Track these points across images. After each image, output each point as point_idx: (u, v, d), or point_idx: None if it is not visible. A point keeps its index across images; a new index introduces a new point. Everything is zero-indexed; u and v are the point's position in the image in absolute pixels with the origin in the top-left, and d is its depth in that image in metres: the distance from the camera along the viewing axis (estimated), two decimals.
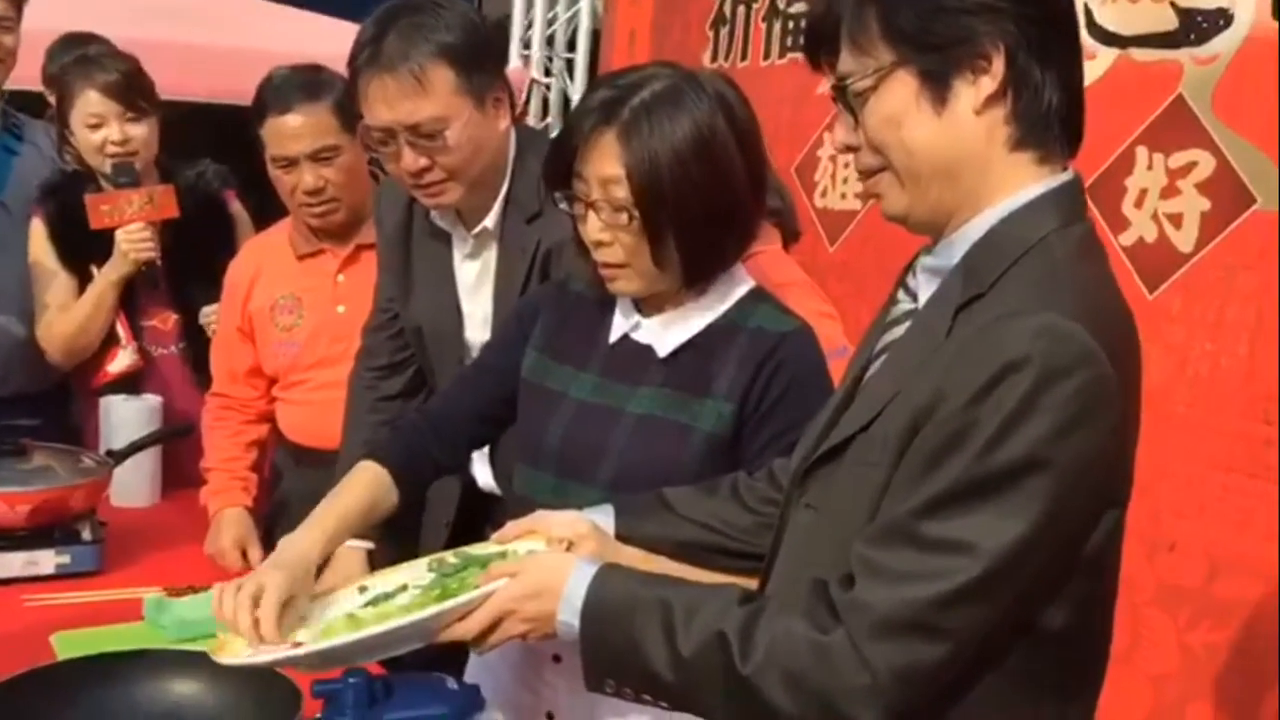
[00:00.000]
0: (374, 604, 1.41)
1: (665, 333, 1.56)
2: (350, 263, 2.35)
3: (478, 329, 2.00)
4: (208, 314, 2.58)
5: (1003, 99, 1.12)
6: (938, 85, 1.12)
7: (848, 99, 1.16)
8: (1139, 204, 2.32)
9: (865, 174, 1.19)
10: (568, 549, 1.38)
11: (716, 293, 1.56)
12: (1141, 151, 2.31)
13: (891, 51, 1.12)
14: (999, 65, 1.11)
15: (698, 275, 1.53)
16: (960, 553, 1.04)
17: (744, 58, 3.43)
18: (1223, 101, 2.18)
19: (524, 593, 1.27)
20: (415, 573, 1.46)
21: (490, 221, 1.93)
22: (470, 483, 2.10)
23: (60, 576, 2.04)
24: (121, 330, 2.59)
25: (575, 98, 4.29)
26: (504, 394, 1.68)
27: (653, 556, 1.44)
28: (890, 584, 1.07)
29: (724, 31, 3.53)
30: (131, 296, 2.59)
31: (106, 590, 2.01)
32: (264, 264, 2.40)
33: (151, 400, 2.52)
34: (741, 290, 1.58)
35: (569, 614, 1.23)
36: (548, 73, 4.33)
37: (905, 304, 1.23)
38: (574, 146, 1.49)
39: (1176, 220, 2.25)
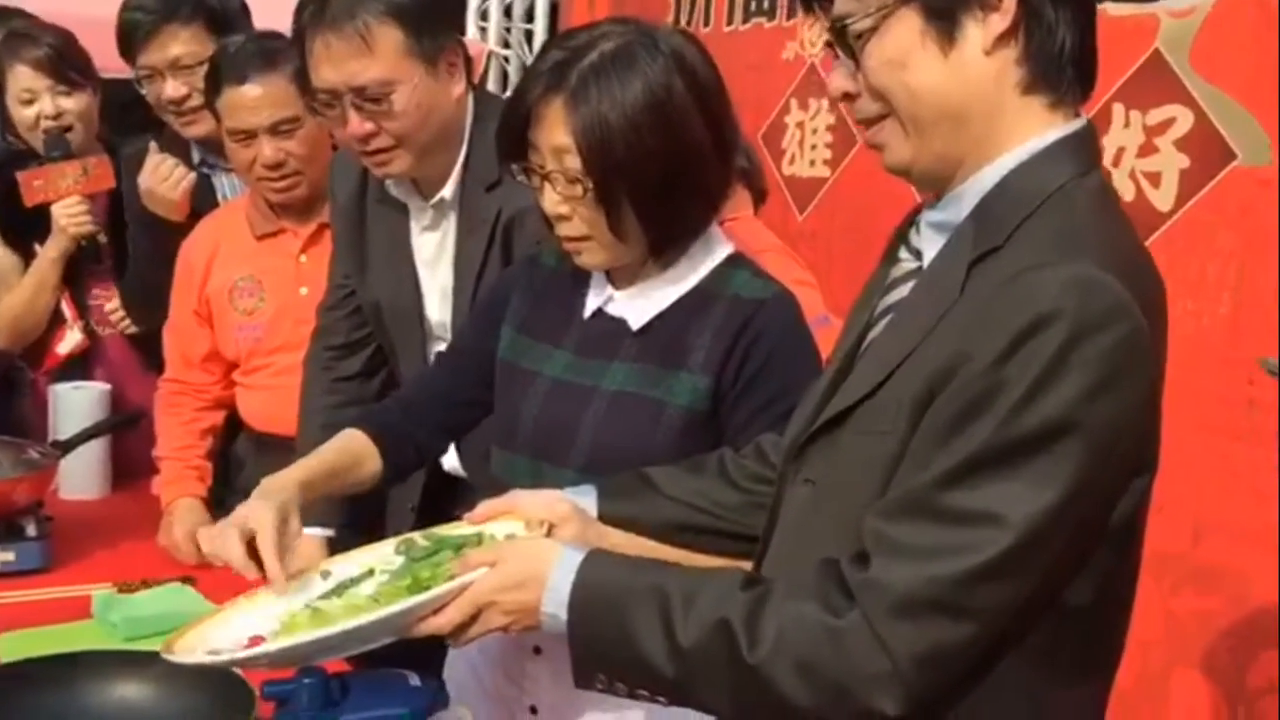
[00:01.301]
0: (338, 592, 1.33)
1: (638, 305, 1.49)
2: (313, 242, 2.26)
3: (437, 304, 1.93)
4: (111, 310, 2.54)
5: (1013, 38, 1.05)
6: (945, 23, 1.06)
7: (846, 41, 1.09)
8: (1116, 162, 2.26)
9: (866, 123, 1.13)
10: (548, 533, 1.30)
11: (691, 261, 1.49)
12: (1118, 109, 2.26)
13: None
14: (1010, 1, 1.04)
15: (664, 244, 1.46)
16: (987, 525, 0.97)
17: (706, 23, 3.36)
18: (1200, 55, 2.12)
19: (505, 583, 1.18)
20: (382, 555, 1.37)
21: (448, 191, 1.86)
22: (436, 467, 2.03)
23: (4, 575, 1.96)
24: (67, 309, 2.54)
25: None
26: (481, 377, 1.61)
27: (637, 539, 1.36)
28: (910, 561, 0.99)
29: None
30: (78, 274, 2.53)
31: (54, 588, 1.94)
32: (221, 244, 2.30)
33: (100, 388, 2.44)
34: (718, 257, 1.50)
35: (554, 605, 1.15)
36: (506, 44, 4.24)
37: (909, 263, 1.17)
38: (525, 114, 1.41)
39: (1155, 179, 2.20)
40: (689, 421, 1.44)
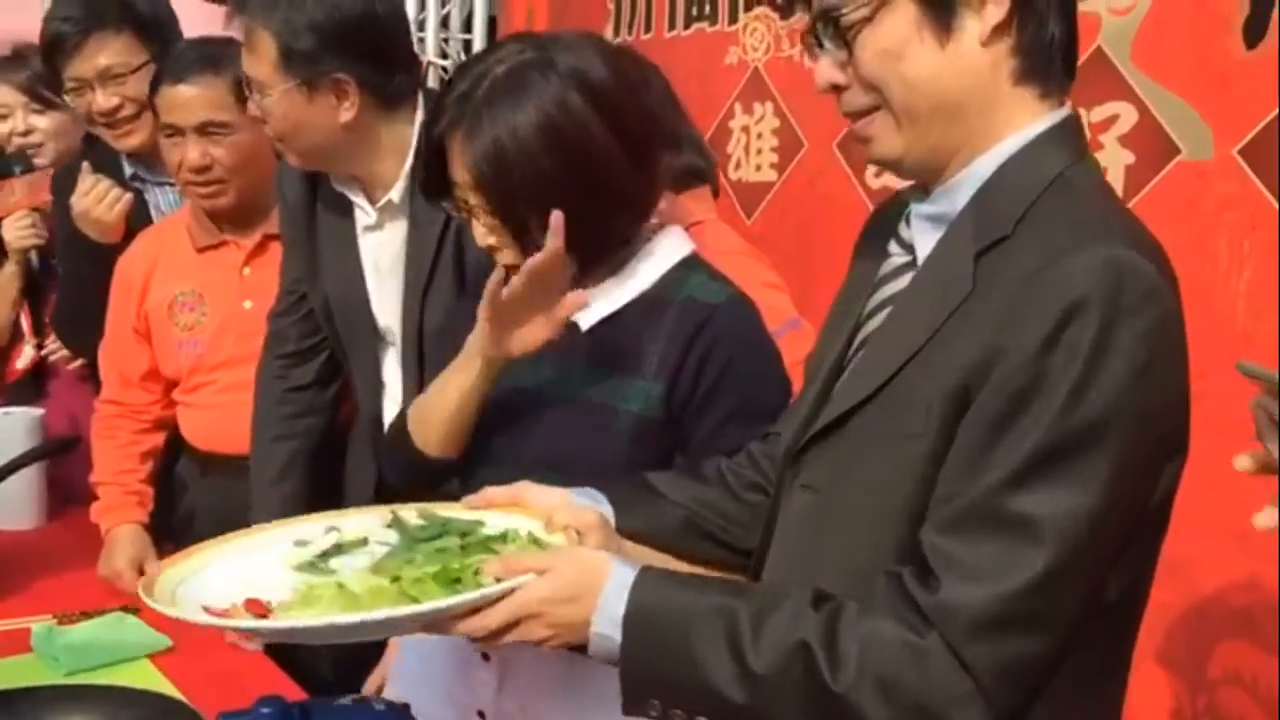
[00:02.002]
0: (330, 555, 1.24)
1: (591, 306, 1.45)
2: (256, 254, 2.21)
3: (388, 305, 1.89)
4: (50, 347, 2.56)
5: (1008, 29, 1.06)
6: (942, 14, 1.05)
7: (837, 32, 1.07)
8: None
9: (853, 115, 1.11)
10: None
11: (645, 262, 1.46)
12: None
13: None
14: None
15: (590, 261, 1.43)
16: (1046, 528, 0.96)
17: (648, 29, 3.33)
18: (1142, 51, 2.14)
19: (556, 595, 1.10)
20: (369, 525, 1.29)
21: (395, 194, 1.84)
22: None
23: None
24: (25, 324, 2.54)
25: None
26: None
27: (647, 550, 1.31)
28: (980, 581, 0.97)
29: (625, 4, 3.43)
30: (38, 291, 2.55)
31: None
32: (160, 257, 2.24)
33: (32, 413, 2.37)
34: (673, 259, 1.48)
35: (607, 625, 1.08)
36: (444, 54, 4.19)
37: (900, 257, 1.15)
38: (437, 150, 1.40)
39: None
40: (641, 428, 1.41)
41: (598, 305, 1.45)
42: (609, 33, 3.44)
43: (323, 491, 2.03)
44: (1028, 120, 1.08)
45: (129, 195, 2.34)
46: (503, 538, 1.22)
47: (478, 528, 1.24)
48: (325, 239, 1.93)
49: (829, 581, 1.08)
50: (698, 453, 1.41)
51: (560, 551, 1.18)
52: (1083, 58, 2.19)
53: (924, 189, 1.14)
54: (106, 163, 2.42)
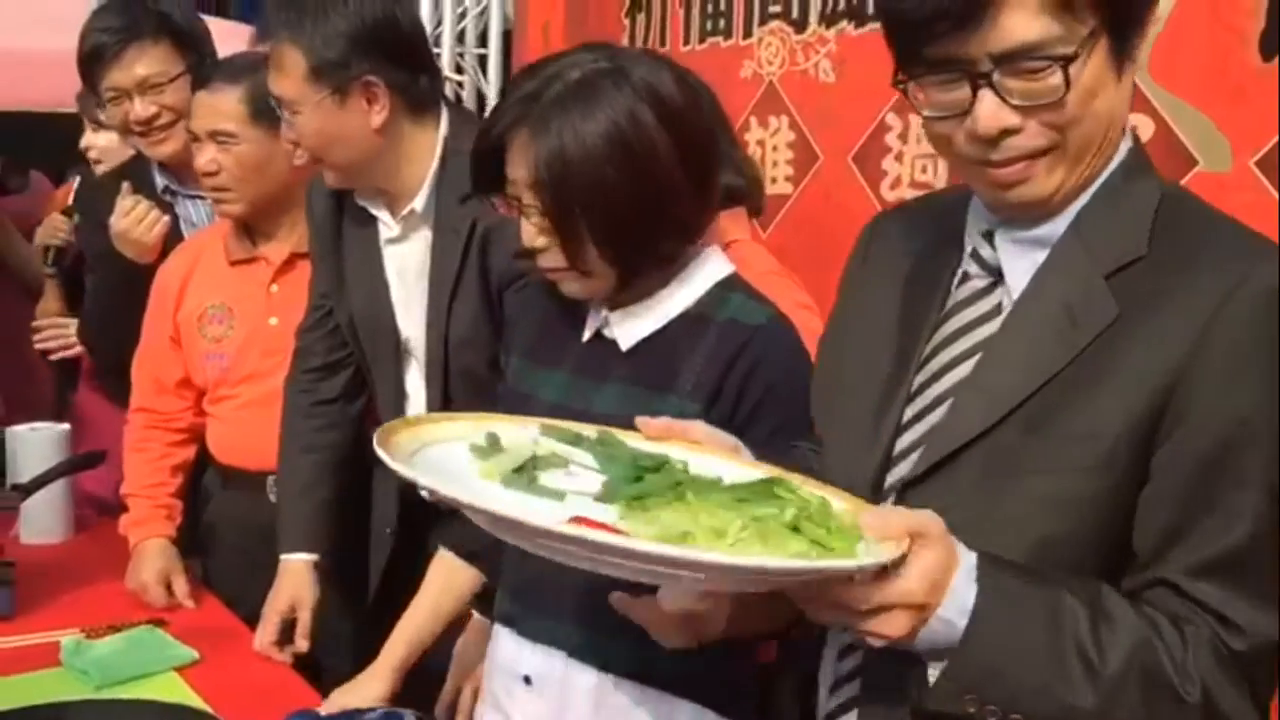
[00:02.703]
0: (523, 472, 1.11)
1: (629, 326, 1.46)
2: (284, 271, 2.24)
3: (411, 318, 1.92)
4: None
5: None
6: (1124, 49, 1.05)
7: (1029, 73, 1.01)
8: None
9: (1015, 159, 1.05)
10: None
11: (685, 282, 1.46)
12: None
13: (1094, 15, 1.02)
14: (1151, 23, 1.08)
15: (630, 277, 1.43)
16: None
17: (663, 43, 3.35)
18: (1159, 64, 2.14)
19: (925, 584, 0.98)
20: (531, 436, 1.18)
21: (419, 204, 1.87)
22: (410, 490, 1.99)
23: None
24: None
25: (490, 93, 4.18)
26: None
27: None
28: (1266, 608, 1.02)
29: (640, 19, 3.45)
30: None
31: (19, 635, 1.90)
32: (195, 268, 2.28)
33: (59, 429, 2.40)
34: (713, 278, 1.47)
35: (954, 611, 0.98)
36: (460, 69, 4.22)
37: (979, 279, 1.14)
38: (496, 145, 1.39)
39: None
40: None
41: (638, 325, 1.45)
42: (624, 46, 3.46)
43: (349, 504, 2.05)
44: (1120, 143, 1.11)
45: (167, 218, 2.39)
46: (664, 464, 1.10)
47: (661, 464, 1.11)
48: (350, 254, 1.96)
49: None
50: None
51: (925, 526, 0.99)
52: None
53: (1014, 214, 1.12)
54: (139, 175, 2.47)
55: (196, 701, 1.66)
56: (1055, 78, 1.00)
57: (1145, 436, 1.02)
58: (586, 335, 1.50)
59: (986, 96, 1.02)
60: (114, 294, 2.43)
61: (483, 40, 4.21)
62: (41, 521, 2.30)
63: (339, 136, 1.81)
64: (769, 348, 1.41)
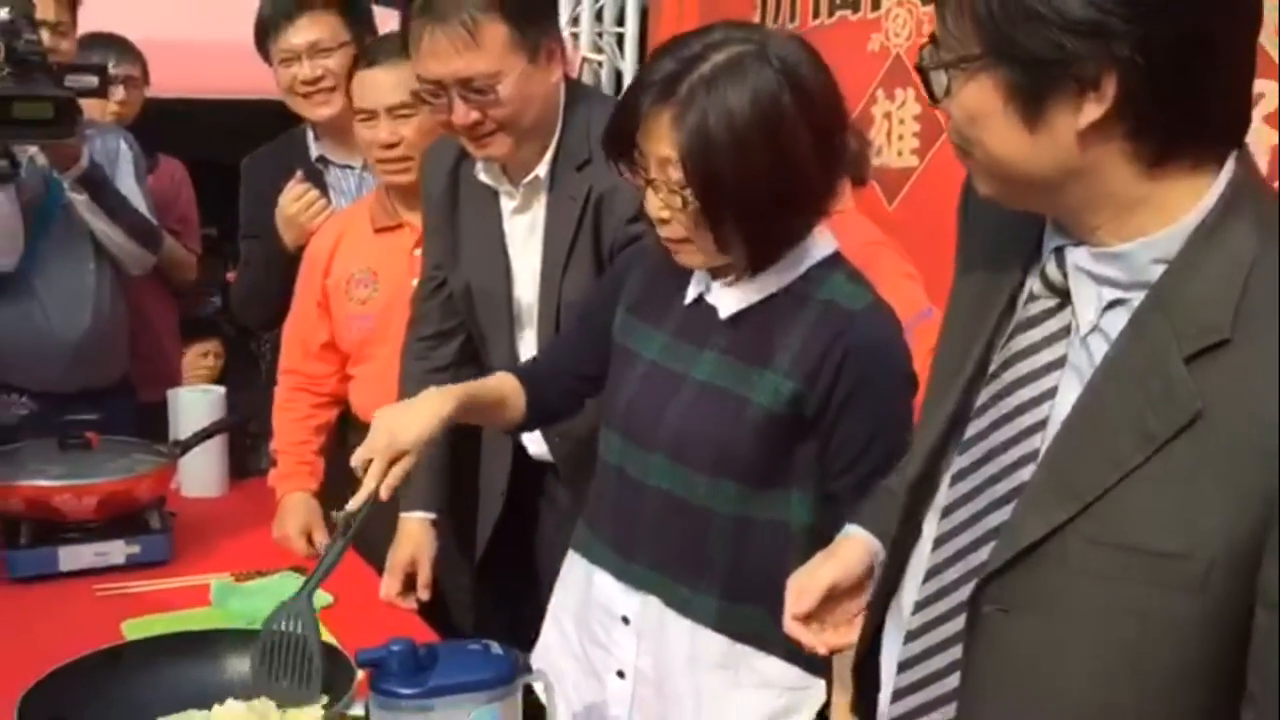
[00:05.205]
0: None
1: (732, 295, 1.51)
2: None
3: (527, 285, 2.00)
4: None
5: (1117, 121, 0.92)
6: (1028, 100, 0.93)
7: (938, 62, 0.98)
8: None
9: (953, 144, 1.03)
10: None
11: (791, 258, 1.49)
12: None
13: (978, 43, 0.94)
14: (1110, 89, 0.91)
15: (764, 258, 1.47)
16: None
17: (793, 18, 3.37)
18: None
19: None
20: None
21: (542, 170, 1.92)
22: (522, 452, 2.10)
23: (130, 566, 2.07)
24: None
25: (627, 72, 4.26)
26: (598, 353, 1.66)
27: None
28: None
29: None
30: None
31: (175, 578, 2.05)
32: (344, 237, 2.42)
33: (216, 391, 2.57)
34: (816, 256, 1.50)
35: None
36: (598, 49, 4.31)
37: (1044, 300, 1.04)
38: (634, 120, 1.43)
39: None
40: (769, 421, 1.46)
41: (739, 295, 1.50)
42: (756, 22, 3.49)
43: (463, 465, 2.16)
44: (1186, 195, 0.95)
45: (330, 206, 2.56)
46: None
47: None
48: (467, 227, 2.04)
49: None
50: (835, 459, 1.47)
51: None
52: None
53: (1067, 229, 1.02)
54: (297, 144, 2.69)
55: (328, 637, 1.78)
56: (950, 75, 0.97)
57: (1248, 569, 0.91)
58: (688, 299, 1.55)
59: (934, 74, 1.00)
60: (266, 267, 2.61)
61: (620, 19, 4.29)
62: (199, 476, 2.48)
63: (534, 97, 1.83)
64: (864, 336, 1.44)
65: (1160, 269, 0.96)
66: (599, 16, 4.35)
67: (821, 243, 1.51)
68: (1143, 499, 0.93)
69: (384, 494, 1.49)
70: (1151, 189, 0.96)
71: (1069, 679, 0.98)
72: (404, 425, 1.52)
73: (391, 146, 2.26)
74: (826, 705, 1.37)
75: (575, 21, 4.30)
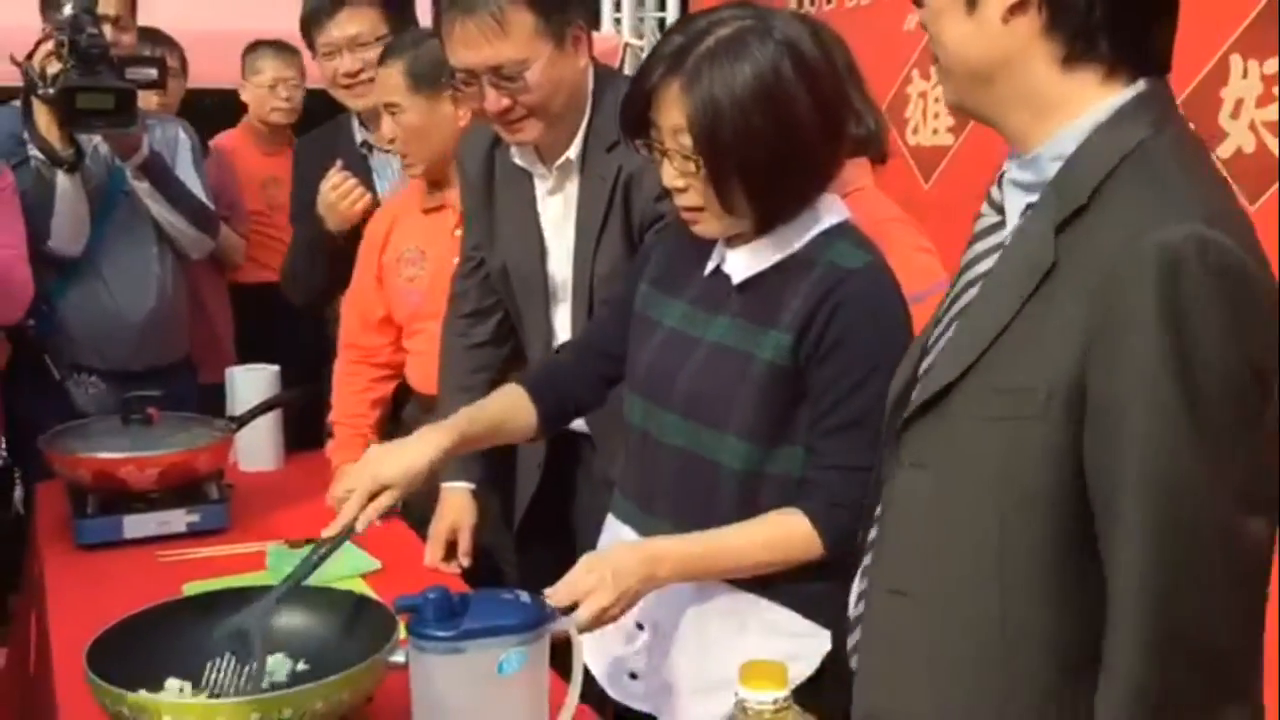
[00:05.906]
0: None
1: (743, 262, 1.59)
2: None
3: (561, 263, 2.06)
4: None
5: (1033, 10, 1.08)
6: None
7: None
8: (1235, 114, 2.24)
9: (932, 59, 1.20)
10: None
11: (797, 227, 1.57)
12: (1235, 60, 2.24)
13: None
14: None
15: (771, 217, 1.54)
16: None
17: (830, 1, 3.41)
18: None
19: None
20: None
21: (573, 152, 1.98)
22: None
23: (190, 534, 2.18)
24: None
25: None
26: (626, 330, 1.73)
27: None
28: None
29: None
30: None
31: (233, 545, 2.15)
32: (399, 217, 2.52)
33: (270, 369, 2.66)
34: (824, 225, 1.57)
35: None
36: (639, 34, 4.37)
37: (989, 217, 1.19)
38: (647, 95, 1.52)
39: (1273, 127, 2.18)
40: (772, 375, 1.53)
41: (750, 261, 1.58)
42: (792, 4, 3.53)
43: None
44: (1093, 101, 1.09)
45: (369, 196, 2.66)
46: None
47: None
48: (503, 210, 2.11)
49: (957, 564, 1.12)
50: (812, 405, 1.53)
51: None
52: (1256, 9, 2.19)
53: (1018, 152, 1.15)
54: (343, 131, 2.80)
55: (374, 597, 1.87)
56: None
57: (1078, 400, 1.04)
58: (708, 270, 1.63)
59: None
60: (311, 248, 2.72)
61: (662, 4, 4.34)
62: (256, 450, 2.58)
63: (563, 82, 1.89)
64: (857, 290, 1.51)
65: (1058, 165, 1.10)
66: (641, 2, 4.41)
67: (831, 212, 1.58)
68: (1014, 345, 1.08)
69: (359, 527, 1.59)
70: (1066, 92, 1.10)
71: (957, 526, 1.12)
72: (390, 461, 1.62)
73: (392, 143, 2.38)
74: (831, 654, 1.42)
75: (618, 6, 4.37)
